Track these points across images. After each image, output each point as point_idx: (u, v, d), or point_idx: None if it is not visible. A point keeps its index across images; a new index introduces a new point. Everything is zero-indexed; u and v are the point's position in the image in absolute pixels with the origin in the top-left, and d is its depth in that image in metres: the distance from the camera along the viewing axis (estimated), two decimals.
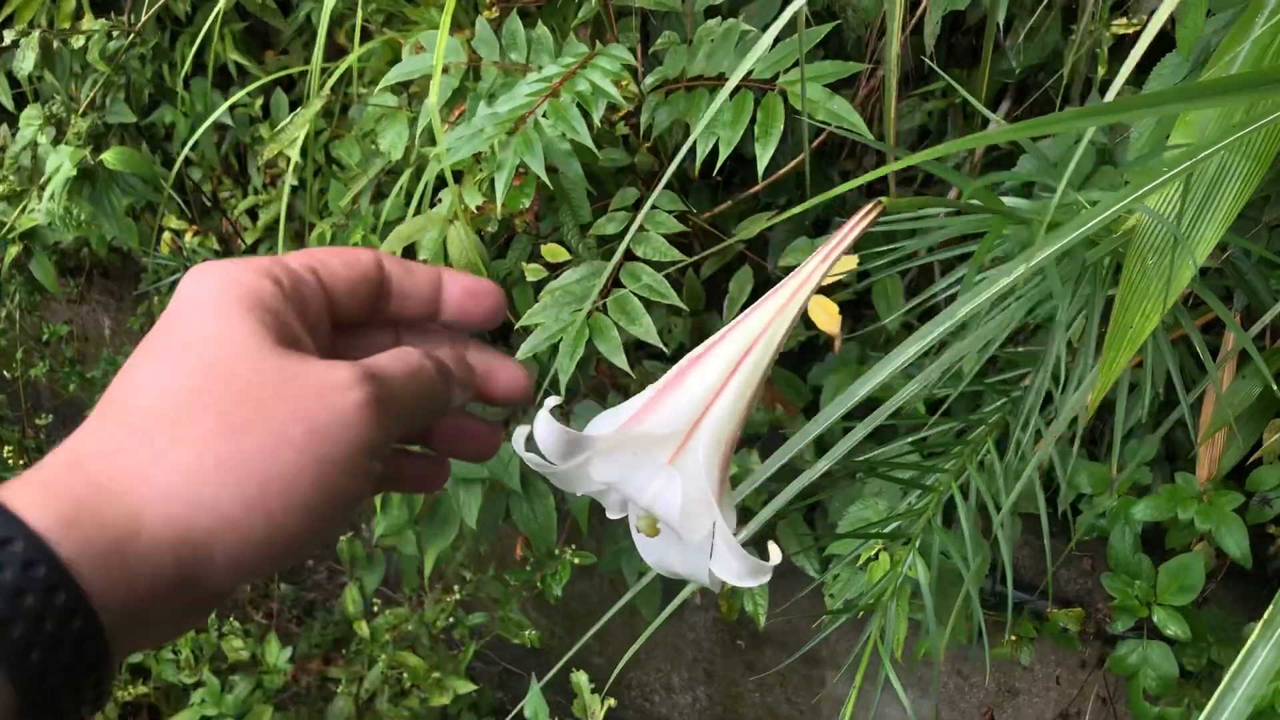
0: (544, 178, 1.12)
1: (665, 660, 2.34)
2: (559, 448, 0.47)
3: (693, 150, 1.54)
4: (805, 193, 1.63)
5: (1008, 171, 1.30)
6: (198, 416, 0.36)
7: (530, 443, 0.49)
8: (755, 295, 1.46)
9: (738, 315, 0.52)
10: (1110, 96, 0.83)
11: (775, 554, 0.47)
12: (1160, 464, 1.28)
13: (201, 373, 0.37)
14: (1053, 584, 1.42)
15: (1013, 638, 1.34)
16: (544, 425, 0.47)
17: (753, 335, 0.50)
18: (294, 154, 1.62)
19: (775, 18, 1.40)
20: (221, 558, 0.35)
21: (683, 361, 0.50)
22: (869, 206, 0.55)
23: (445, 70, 1.31)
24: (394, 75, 1.34)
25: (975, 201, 0.84)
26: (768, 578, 0.47)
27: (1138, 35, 1.31)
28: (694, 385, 0.49)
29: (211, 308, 0.39)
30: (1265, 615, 0.58)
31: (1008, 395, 1.08)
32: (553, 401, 0.48)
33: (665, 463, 0.47)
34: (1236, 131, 0.71)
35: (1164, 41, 1.29)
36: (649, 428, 0.48)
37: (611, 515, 0.53)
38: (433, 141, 1.47)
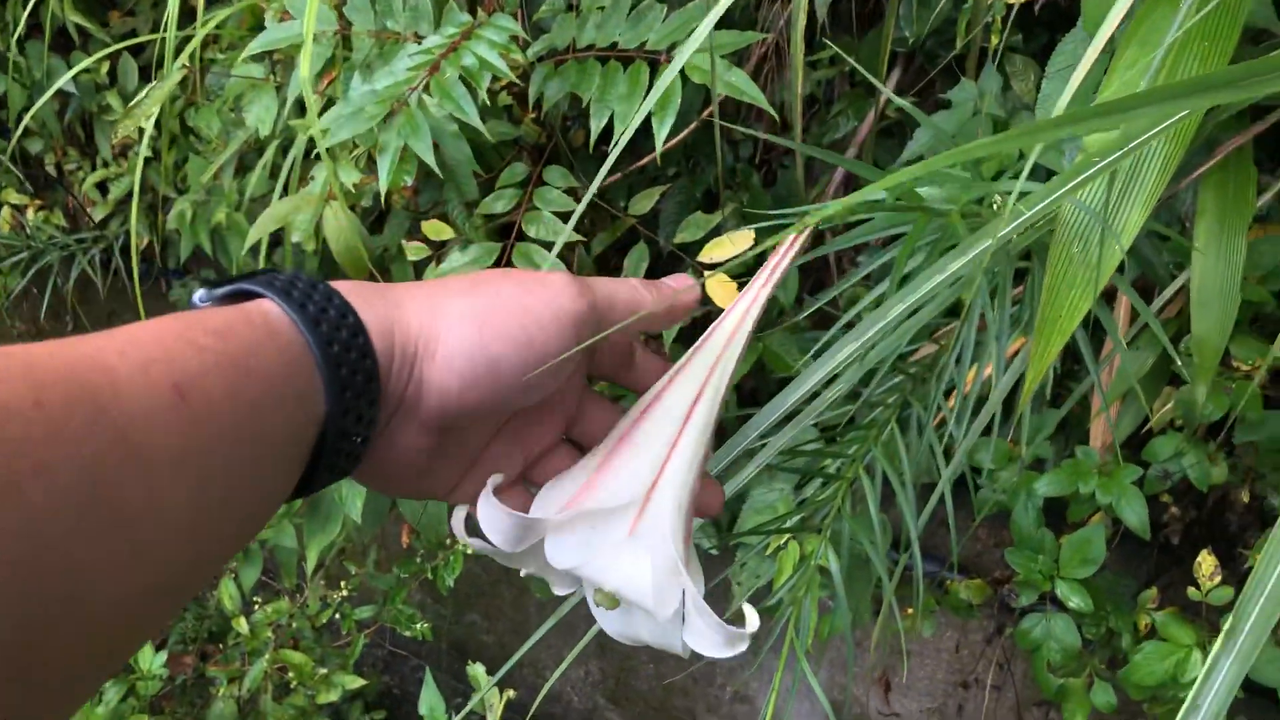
0: (430, 162, 1.05)
1: (556, 636, 2.31)
2: (508, 533, 0.43)
3: (583, 123, 1.49)
4: (695, 164, 1.59)
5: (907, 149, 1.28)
6: (452, 281, 0.47)
7: (473, 526, 0.44)
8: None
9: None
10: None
11: (752, 620, 0.43)
12: (1054, 436, 1.29)
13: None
14: (968, 556, 1.42)
15: (909, 611, 1.33)
16: (489, 510, 0.43)
17: (698, 383, 0.46)
18: (148, 126, 1.51)
19: None
20: (441, 357, 0.44)
21: (625, 420, 0.46)
22: (793, 236, 0.51)
23: (315, 39, 1.22)
24: (258, 44, 1.24)
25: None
26: (745, 646, 0.43)
27: (1030, 2, 1.31)
28: (644, 446, 0.45)
29: None
30: (1225, 626, 0.57)
31: (908, 374, 1.06)
32: (495, 480, 0.43)
33: (625, 536, 0.43)
34: (1163, 119, 0.69)
35: (1054, 9, 1.28)
36: (602, 501, 0.43)
37: (559, 591, 0.48)
38: (302, 113, 1.38)
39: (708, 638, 0.44)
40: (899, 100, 0.80)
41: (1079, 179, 0.69)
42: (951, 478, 0.93)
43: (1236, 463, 1.17)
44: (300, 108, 1.45)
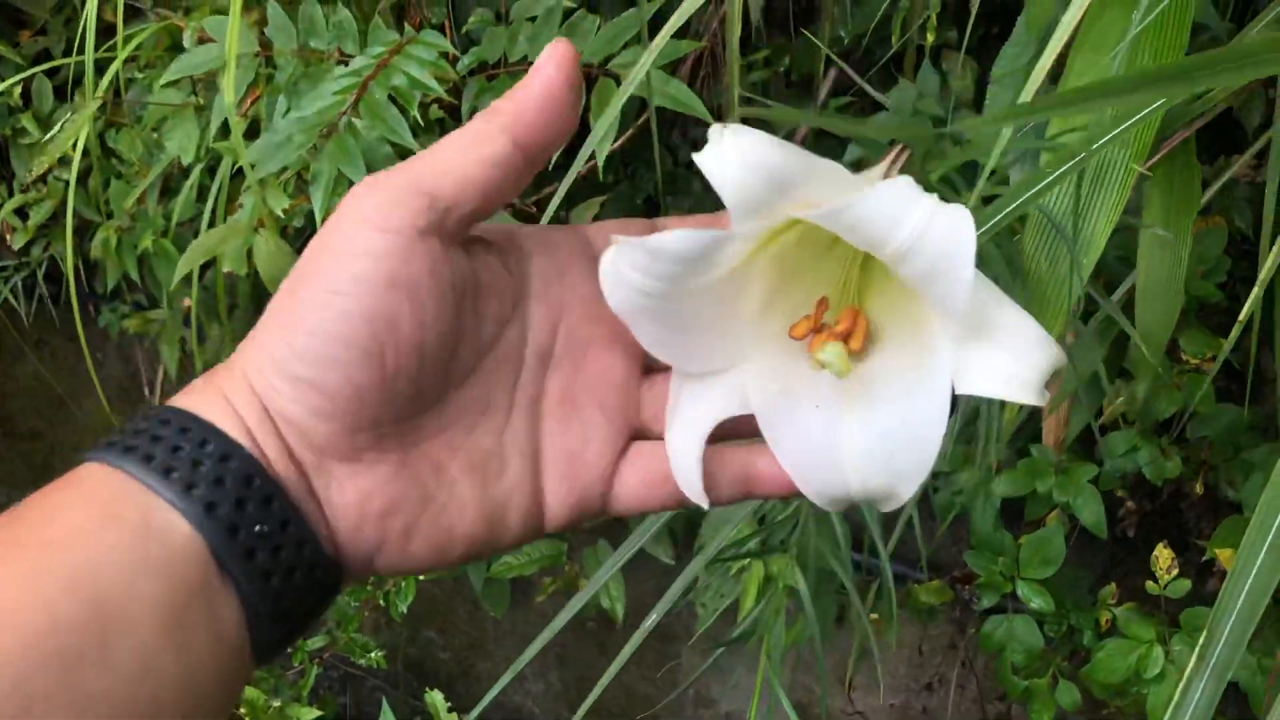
0: None
1: (514, 649, 2.28)
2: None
3: None
4: (634, 171, 1.57)
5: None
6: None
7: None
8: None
9: None
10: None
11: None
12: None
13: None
14: (934, 556, 1.41)
15: (874, 616, 1.33)
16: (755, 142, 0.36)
17: None
18: (74, 155, 1.45)
19: None
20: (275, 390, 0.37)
21: None
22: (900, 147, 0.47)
23: (237, 61, 1.17)
24: (177, 70, 1.20)
25: None
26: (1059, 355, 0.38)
27: (965, 2, 1.29)
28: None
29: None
30: (1198, 646, 0.56)
31: None
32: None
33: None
34: (1120, 122, 0.68)
35: (993, 6, 1.27)
36: None
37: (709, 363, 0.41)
38: (226, 135, 1.33)
39: (1009, 346, 0.37)
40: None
41: (1045, 182, 0.67)
42: None
43: (1190, 455, 1.18)
44: (225, 127, 1.40)
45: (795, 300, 0.43)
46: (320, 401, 0.36)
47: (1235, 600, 0.50)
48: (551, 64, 0.38)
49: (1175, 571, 1.15)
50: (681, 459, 0.41)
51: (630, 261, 0.38)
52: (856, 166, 1.18)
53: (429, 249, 0.37)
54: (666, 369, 0.43)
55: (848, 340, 0.41)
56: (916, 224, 0.35)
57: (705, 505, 0.41)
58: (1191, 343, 1.10)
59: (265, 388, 0.36)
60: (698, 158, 0.37)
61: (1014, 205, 0.65)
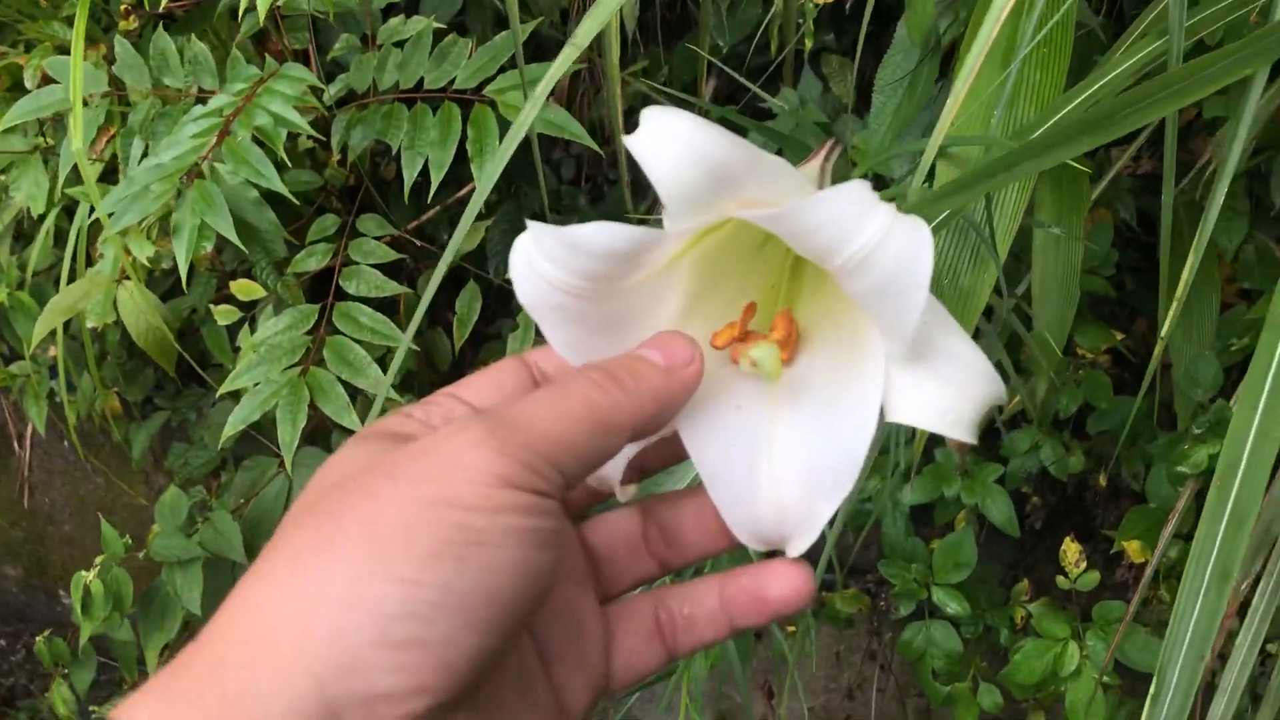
0: (232, 237, 0.95)
1: None
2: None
3: (393, 158, 1.40)
4: (515, 190, 1.53)
5: None
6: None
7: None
8: (485, 309, 1.35)
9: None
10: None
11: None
12: (910, 439, 1.28)
13: None
14: (840, 559, 1.39)
15: (791, 629, 1.31)
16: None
17: None
18: None
19: (460, 12, 1.28)
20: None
21: None
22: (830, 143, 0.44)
23: (85, 103, 1.10)
24: (17, 114, 1.12)
25: None
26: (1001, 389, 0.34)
27: (841, 4, 1.28)
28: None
29: None
30: (1151, 691, 0.55)
31: None
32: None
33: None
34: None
35: (862, 4, 1.26)
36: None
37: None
38: (78, 180, 1.25)
39: (951, 377, 0.34)
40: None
41: (942, 217, 0.66)
42: None
43: (1091, 448, 1.19)
44: (78, 170, 1.32)
45: (721, 302, 0.39)
46: (431, 673, 0.30)
47: (1181, 642, 0.49)
48: (694, 370, 0.36)
49: (1084, 564, 1.16)
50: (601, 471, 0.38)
51: (547, 253, 0.34)
52: None
53: (567, 526, 0.34)
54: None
55: (782, 348, 0.38)
56: (872, 235, 0.32)
57: (625, 500, 0.40)
58: (1087, 337, 1.11)
59: (341, 659, 0.29)
60: (629, 141, 0.33)
61: (940, 218, 0.63)
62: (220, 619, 0.30)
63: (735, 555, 0.44)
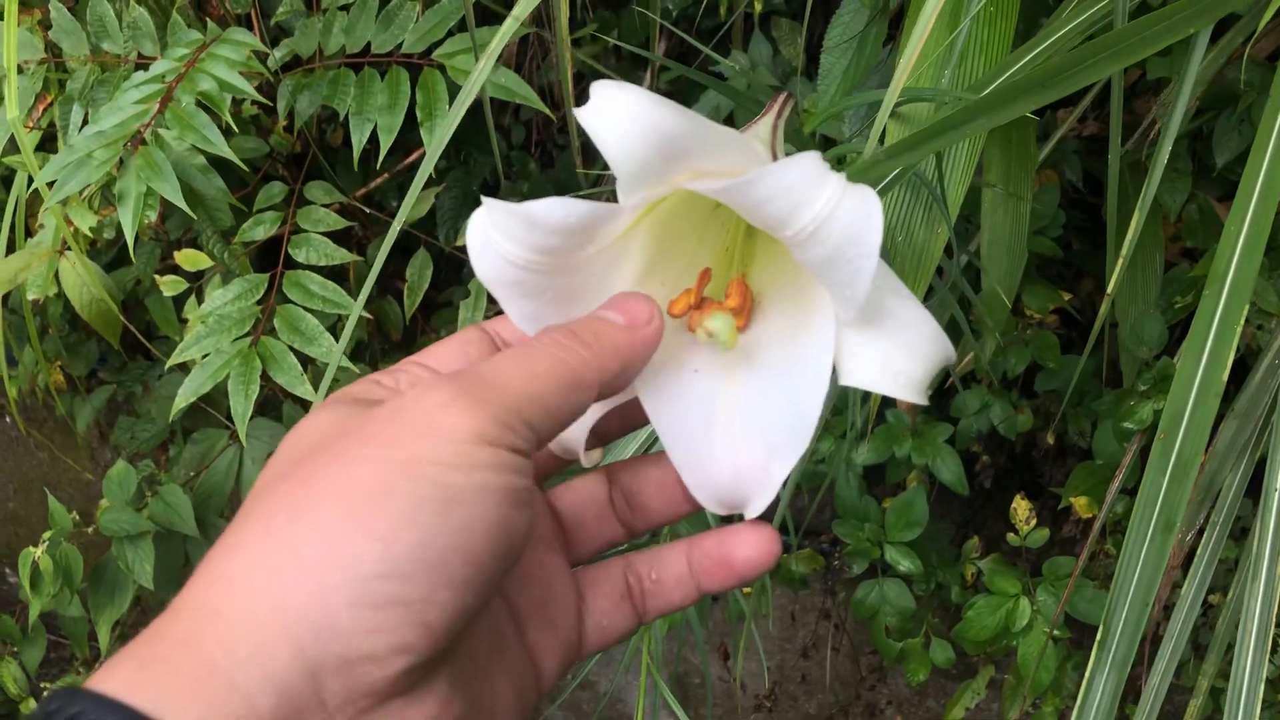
0: (181, 204, 0.94)
1: None
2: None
3: (340, 123, 1.38)
4: (464, 156, 1.51)
5: None
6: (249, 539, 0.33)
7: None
8: (436, 276, 1.34)
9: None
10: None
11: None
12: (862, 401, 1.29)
13: None
14: (795, 520, 1.41)
15: (747, 590, 1.32)
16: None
17: None
18: None
19: None
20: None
21: None
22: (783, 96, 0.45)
23: (19, 70, 1.07)
24: None
25: None
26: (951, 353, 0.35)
27: None
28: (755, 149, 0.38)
29: None
30: (1097, 637, 0.56)
31: None
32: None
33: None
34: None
35: None
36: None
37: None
38: (15, 149, 1.22)
39: (903, 340, 0.35)
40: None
41: (892, 175, 0.66)
42: None
43: (1039, 407, 1.20)
44: (14, 141, 1.29)
45: (677, 269, 0.40)
46: (412, 632, 0.30)
47: (1126, 591, 0.50)
48: (654, 328, 0.36)
49: (1033, 521, 1.18)
50: (561, 438, 0.39)
51: (503, 230, 0.35)
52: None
53: (530, 477, 0.33)
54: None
55: (737, 316, 0.38)
56: (823, 206, 0.32)
57: (589, 464, 0.41)
58: (1034, 298, 1.12)
59: (319, 622, 0.29)
60: (580, 114, 0.33)
61: (890, 176, 0.63)
62: (193, 589, 0.30)
63: (699, 521, 0.45)
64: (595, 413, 0.39)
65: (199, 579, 0.30)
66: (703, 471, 0.38)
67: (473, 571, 0.31)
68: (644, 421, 0.40)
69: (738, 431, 0.38)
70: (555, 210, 0.34)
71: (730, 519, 0.40)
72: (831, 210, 0.32)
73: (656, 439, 0.71)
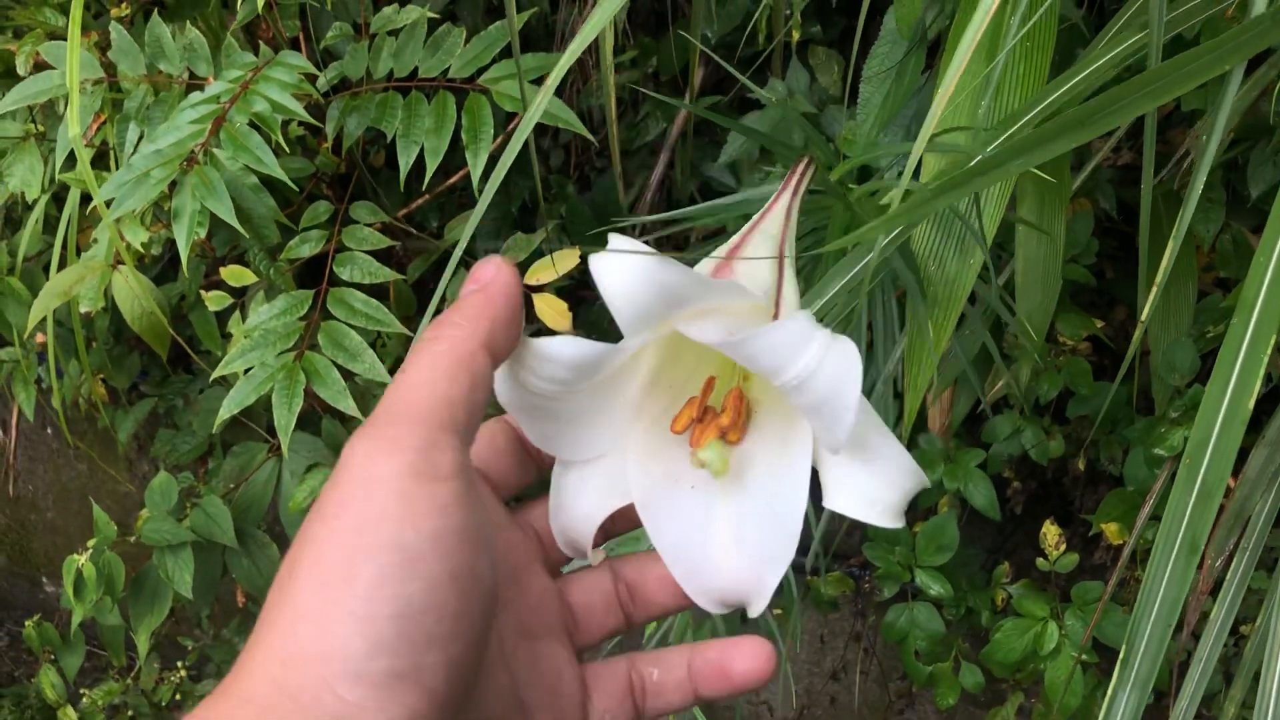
0: (234, 222, 0.96)
1: None
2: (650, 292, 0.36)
3: (383, 144, 1.41)
4: (505, 177, 1.54)
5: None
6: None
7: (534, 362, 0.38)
8: None
9: None
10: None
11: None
12: (895, 424, 1.30)
13: None
14: (825, 543, 1.42)
15: (778, 612, 1.33)
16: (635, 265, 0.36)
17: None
18: None
19: (451, 2, 1.30)
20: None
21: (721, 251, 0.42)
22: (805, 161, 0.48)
23: (80, 89, 1.11)
24: (12, 100, 1.13)
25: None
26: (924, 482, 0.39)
27: None
28: (756, 263, 0.42)
29: None
30: (1120, 655, 0.57)
31: None
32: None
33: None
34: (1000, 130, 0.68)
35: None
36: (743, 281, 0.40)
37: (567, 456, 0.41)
38: (73, 165, 1.26)
39: (880, 471, 0.38)
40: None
41: (922, 206, 0.68)
42: None
43: (1071, 433, 1.21)
44: (72, 156, 1.32)
45: (680, 379, 0.43)
46: (417, 699, 0.31)
47: (1150, 609, 0.51)
48: (504, 277, 0.38)
49: (1063, 547, 1.18)
50: (568, 540, 0.42)
51: (522, 362, 0.38)
52: (732, 167, 1.18)
53: (480, 488, 0.35)
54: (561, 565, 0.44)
55: (729, 432, 0.41)
56: (809, 362, 0.36)
57: (595, 563, 0.43)
58: (1068, 325, 1.13)
59: (332, 707, 0.30)
60: (593, 266, 0.37)
61: (921, 205, 0.65)
62: (241, 664, 0.32)
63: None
64: (603, 511, 0.42)
65: (247, 652, 0.32)
66: (701, 581, 0.41)
67: (451, 624, 0.32)
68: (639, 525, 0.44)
69: (731, 544, 0.41)
70: (567, 349, 0.37)
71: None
72: (815, 367, 0.36)
73: None
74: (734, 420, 0.41)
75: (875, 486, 0.39)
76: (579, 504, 0.42)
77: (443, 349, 0.36)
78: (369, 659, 0.31)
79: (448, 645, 0.32)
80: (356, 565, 0.31)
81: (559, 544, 0.43)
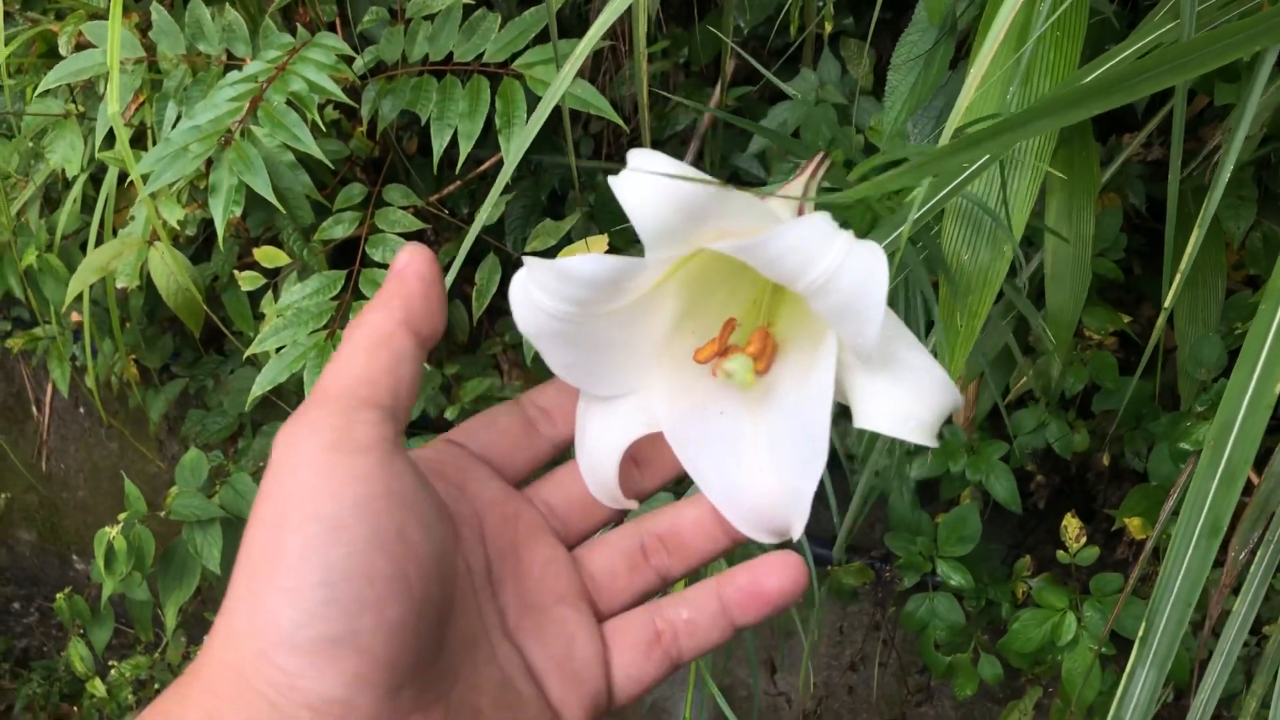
0: (271, 198, 0.98)
1: None
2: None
3: (417, 130, 1.43)
4: (535, 167, 1.55)
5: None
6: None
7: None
8: (503, 281, 1.37)
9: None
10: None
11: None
12: None
13: None
14: (853, 537, 1.42)
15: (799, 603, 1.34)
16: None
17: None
18: None
19: None
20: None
21: None
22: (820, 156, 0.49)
23: (120, 68, 1.13)
24: (55, 77, 1.14)
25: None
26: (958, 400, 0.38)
27: None
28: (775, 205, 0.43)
29: None
30: (1139, 634, 0.57)
31: None
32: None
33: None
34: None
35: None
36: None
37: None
38: (112, 144, 1.28)
39: (913, 386, 0.38)
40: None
41: (957, 180, 0.68)
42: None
43: (1095, 427, 1.21)
44: (110, 135, 1.34)
45: (707, 319, 0.44)
46: (358, 662, 0.32)
47: (1170, 590, 0.52)
48: (417, 261, 0.39)
49: (1084, 540, 1.18)
50: (596, 477, 0.42)
51: (540, 284, 0.38)
52: (761, 157, 1.18)
53: (404, 457, 0.36)
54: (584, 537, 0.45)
55: (756, 361, 0.41)
56: (830, 262, 0.36)
57: (631, 506, 0.43)
58: (1094, 319, 1.13)
59: (274, 678, 0.32)
60: (613, 183, 0.37)
61: (941, 194, 0.66)
62: (195, 664, 0.34)
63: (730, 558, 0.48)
64: (628, 438, 0.42)
65: (206, 638, 0.35)
66: (740, 503, 0.41)
67: (383, 587, 0.33)
68: (672, 475, 0.44)
69: (765, 461, 0.41)
70: (586, 264, 0.37)
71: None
72: (839, 265, 0.36)
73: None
74: (760, 351, 0.41)
75: (908, 401, 0.38)
76: (605, 436, 0.42)
77: (362, 332, 0.37)
78: (300, 628, 0.32)
79: (384, 608, 0.33)
80: (283, 540, 0.33)
81: (589, 486, 0.43)
